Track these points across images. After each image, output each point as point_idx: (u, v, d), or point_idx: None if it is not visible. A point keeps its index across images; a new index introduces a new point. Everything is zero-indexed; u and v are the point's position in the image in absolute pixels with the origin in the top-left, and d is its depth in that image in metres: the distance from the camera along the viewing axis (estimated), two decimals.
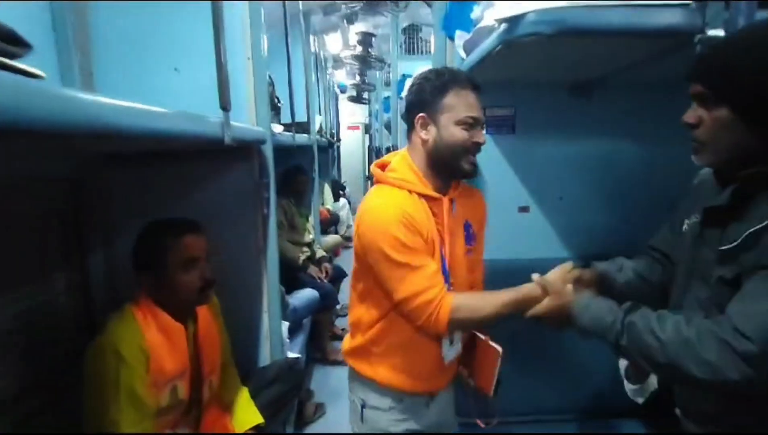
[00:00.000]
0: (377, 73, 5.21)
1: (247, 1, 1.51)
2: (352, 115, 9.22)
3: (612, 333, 0.81)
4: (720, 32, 0.96)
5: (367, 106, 7.74)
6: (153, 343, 1.05)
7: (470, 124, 1.00)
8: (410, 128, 1.07)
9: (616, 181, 1.63)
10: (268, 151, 1.53)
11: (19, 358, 1.13)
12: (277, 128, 1.78)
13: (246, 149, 1.43)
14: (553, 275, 1.00)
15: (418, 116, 1.02)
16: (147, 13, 1.48)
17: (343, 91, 7.25)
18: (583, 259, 1.61)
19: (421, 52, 3.68)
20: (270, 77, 2.12)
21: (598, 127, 1.60)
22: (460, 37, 1.48)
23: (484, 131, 1.04)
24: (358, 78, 5.33)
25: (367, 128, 9.07)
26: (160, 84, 1.51)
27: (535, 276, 1.00)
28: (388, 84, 4.80)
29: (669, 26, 0.98)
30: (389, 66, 4.29)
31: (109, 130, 0.52)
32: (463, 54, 1.48)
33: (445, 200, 1.04)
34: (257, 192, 1.51)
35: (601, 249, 1.63)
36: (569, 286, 0.97)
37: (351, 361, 1.13)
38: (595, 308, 0.88)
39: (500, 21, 1.04)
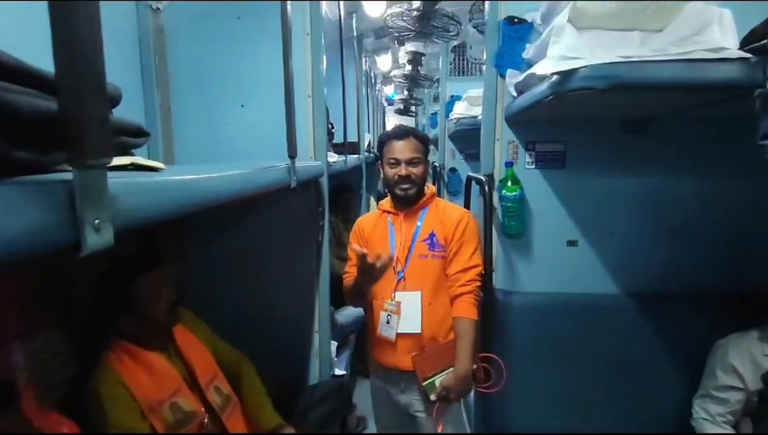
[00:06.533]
0: (425, 90, 5.28)
1: (309, 42, 1.62)
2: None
3: None
4: None
5: (414, 118, 7.82)
6: (131, 376, 1.10)
7: (392, 164, 1.46)
8: None
9: (668, 217, 1.57)
10: (324, 182, 1.63)
11: None
12: (332, 157, 1.88)
13: (305, 183, 1.54)
14: None
15: (378, 163, 1.55)
16: (218, 56, 1.63)
17: (390, 104, 7.36)
18: (632, 295, 1.59)
19: (471, 73, 3.68)
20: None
21: (652, 162, 1.56)
22: (512, 75, 1.50)
23: (416, 168, 1.46)
24: (406, 93, 5.42)
25: None
26: (229, 117, 1.65)
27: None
28: (436, 99, 4.85)
29: (727, 80, 0.96)
30: (437, 82, 4.35)
31: (200, 204, 0.61)
32: (513, 92, 1.51)
33: (400, 215, 1.50)
34: (313, 219, 1.61)
35: (651, 286, 1.60)
36: None
37: None
38: None
39: (553, 74, 1.08)
